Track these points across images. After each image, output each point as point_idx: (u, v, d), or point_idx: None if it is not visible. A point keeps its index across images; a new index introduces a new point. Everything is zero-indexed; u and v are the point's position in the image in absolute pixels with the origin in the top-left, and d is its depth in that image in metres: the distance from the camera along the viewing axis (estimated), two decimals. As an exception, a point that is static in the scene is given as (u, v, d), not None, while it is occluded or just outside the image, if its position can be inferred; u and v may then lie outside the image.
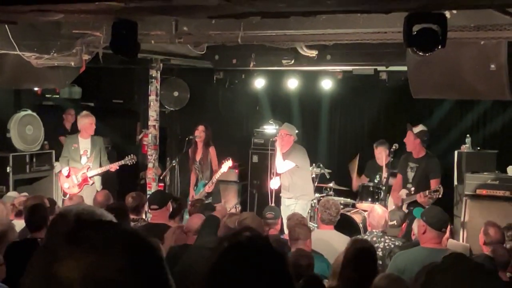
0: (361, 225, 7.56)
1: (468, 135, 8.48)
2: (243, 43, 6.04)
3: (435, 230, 4.71)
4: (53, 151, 8.79)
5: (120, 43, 5.11)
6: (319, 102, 10.98)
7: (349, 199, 8.64)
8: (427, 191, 6.94)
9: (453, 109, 9.93)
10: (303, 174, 8.10)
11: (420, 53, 4.53)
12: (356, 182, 8.72)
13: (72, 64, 6.93)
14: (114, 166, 8.36)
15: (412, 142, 7.39)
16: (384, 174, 7.97)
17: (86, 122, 8.35)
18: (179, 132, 11.08)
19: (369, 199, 8.11)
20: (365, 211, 7.52)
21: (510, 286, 4.55)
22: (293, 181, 8.01)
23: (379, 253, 5.23)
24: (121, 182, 9.76)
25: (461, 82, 5.81)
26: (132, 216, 6.04)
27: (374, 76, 9.61)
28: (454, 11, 4.80)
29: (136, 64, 8.77)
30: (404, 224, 5.91)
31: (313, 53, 7.28)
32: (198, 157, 8.59)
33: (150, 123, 8.67)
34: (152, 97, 8.60)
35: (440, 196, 6.92)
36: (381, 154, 8.45)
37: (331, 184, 8.89)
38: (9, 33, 5.90)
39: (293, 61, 8.17)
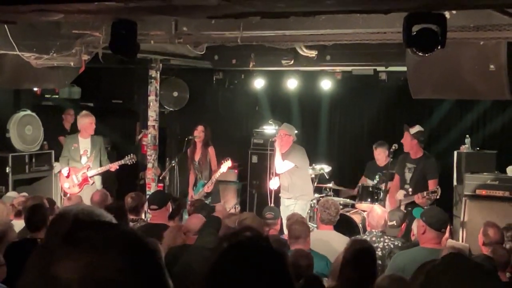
0: (360, 226, 7.56)
1: (467, 136, 8.48)
2: (242, 43, 6.04)
3: (435, 230, 4.71)
4: (53, 151, 8.79)
5: (120, 43, 5.11)
6: (319, 102, 10.98)
7: (348, 200, 8.65)
8: (425, 192, 6.94)
9: (453, 109, 9.94)
10: (302, 174, 8.10)
11: (420, 53, 4.53)
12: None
13: (72, 64, 6.93)
14: (114, 166, 8.36)
15: (409, 143, 7.38)
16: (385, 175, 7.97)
17: (86, 121, 8.35)
18: (179, 132, 11.07)
19: (369, 200, 8.11)
20: (364, 211, 7.52)
21: (510, 286, 4.55)
22: (292, 181, 8.01)
23: (379, 253, 5.23)
24: (121, 182, 9.76)
25: (461, 82, 5.82)
26: (131, 217, 6.04)
27: (373, 76, 9.61)
28: (454, 11, 4.81)
29: (135, 64, 8.77)
30: (403, 224, 5.91)
31: (312, 53, 7.28)
32: (197, 157, 8.59)
33: (149, 123, 8.67)
34: (151, 97, 8.60)
35: (438, 197, 6.92)
36: (381, 155, 8.46)
37: (330, 185, 8.89)
38: (8, 33, 5.89)
39: (292, 61, 8.17)
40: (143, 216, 6.60)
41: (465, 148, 8.29)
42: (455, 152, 8.33)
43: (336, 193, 9.01)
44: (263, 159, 10.00)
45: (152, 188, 8.53)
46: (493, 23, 4.91)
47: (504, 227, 5.55)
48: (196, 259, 4.11)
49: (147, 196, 7.29)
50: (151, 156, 8.66)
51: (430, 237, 4.72)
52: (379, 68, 9.28)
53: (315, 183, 8.71)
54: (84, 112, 8.61)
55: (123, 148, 9.67)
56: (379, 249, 5.34)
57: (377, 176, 8.32)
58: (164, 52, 8.01)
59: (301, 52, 7.24)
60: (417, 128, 7.40)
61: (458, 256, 1.80)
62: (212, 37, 6.16)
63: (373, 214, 5.80)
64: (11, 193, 7.09)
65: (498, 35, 5.07)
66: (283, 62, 8.23)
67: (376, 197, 8.03)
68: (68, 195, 7.92)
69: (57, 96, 10.73)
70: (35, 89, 10.10)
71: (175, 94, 10.52)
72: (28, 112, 8.58)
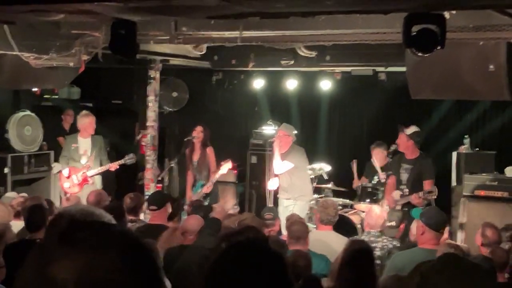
0: (359, 226, 7.56)
1: (466, 136, 8.48)
2: (242, 43, 6.04)
3: (434, 231, 4.72)
4: (52, 152, 8.79)
5: (119, 43, 5.11)
6: (318, 102, 10.98)
7: (347, 200, 8.64)
8: (421, 192, 6.93)
9: (452, 110, 9.94)
10: (301, 175, 8.09)
11: (419, 54, 4.53)
12: (356, 183, 8.75)
13: (71, 64, 6.92)
14: (114, 166, 8.36)
15: (405, 143, 7.36)
16: (381, 176, 7.96)
17: (86, 121, 8.34)
18: (178, 132, 11.07)
19: (368, 200, 8.11)
20: (363, 212, 7.52)
21: (508, 287, 4.55)
22: (291, 182, 8.01)
23: (377, 252, 5.24)
24: (120, 182, 9.76)
25: (460, 83, 5.82)
26: (130, 217, 6.03)
27: (373, 77, 9.61)
28: (453, 12, 4.81)
29: (135, 64, 8.77)
30: (402, 225, 5.91)
31: (312, 53, 7.28)
32: (196, 157, 8.58)
33: (148, 123, 8.66)
34: (150, 98, 8.59)
35: (435, 197, 6.91)
36: (379, 155, 8.45)
37: (329, 185, 8.89)
38: (7, 33, 5.89)
39: (292, 62, 8.18)
40: (142, 217, 6.60)
41: (464, 148, 8.29)
42: (454, 153, 8.33)
43: (335, 193, 9.00)
44: (262, 160, 10.01)
45: (151, 188, 8.52)
46: (493, 24, 4.91)
47: (503, 227, 5.55)
48: (195, 259, 4.11)
49: (146, 197, 7.29)
50: (150, 156, 8.65)
51: (429, 238, 4.72)
52: (378, 69, 9.27)
53: (314, 183, 8.70)
54: (84, 112, 8.61)
55: (122, 149, 9.66)
56: (377, 249, 5.35)
57: (376, 177, 8.32)
58: (163, 52, 8.01)
59: (300, 53, 7.24)
60: (413, 129, 7.38)
61: (454, 256, 1.81)
62: (211, 38, 6.16)
63: (372, 214, 5.80)
64: (10, 194, 7.09)
65: (498, 35, 5.07)
66: (283, 62, 8.23)
67: (375, 198, 8.03)
68: (68, 195, 7.92)
69: (56, 97, 10.73)
70: (35, 89, 10.10)
71: (175, 94, 10.52)
72: (27, 112, 8.58)
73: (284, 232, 5.96)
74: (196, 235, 4.95)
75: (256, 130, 10.63)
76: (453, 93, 6.36)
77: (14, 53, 6.26)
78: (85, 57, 6.84)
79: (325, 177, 8.86)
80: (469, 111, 9.83)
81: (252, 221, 4.89)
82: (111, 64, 8.18)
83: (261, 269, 1.49)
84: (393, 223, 5.78)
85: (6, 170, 8.03)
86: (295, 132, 8.32)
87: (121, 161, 8.38)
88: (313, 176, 8.67)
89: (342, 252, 4.04)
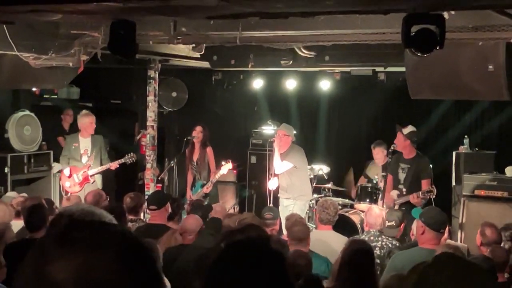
0: (359, 226, 7.55)
1: (466, 136, 8.48)
2: (241, 43, 6.04)
3: (434, 231, 4.72)
4: (51, 152, 8.79)
5: (118, 44, 5.10)
6: (318, 102, 10.98)
7: (347, 200, 8.65)
8: (420, 192, 6.94)
9: (451, 110, 9.94)
10: (301, 175, 8.10)
11: (419, 54, 4.53)
12: (354, 189, 8.75)
13: (70, 64, 6.93)
14: (114, 165, 8.37)
15: (402, 143, 7.38)
16: (380, 183, 7.97)
17: (87, 121, 8.35)
18: (177, 132, 11.07)
19: (367, 200, 8.11)
20: (363, 211, 7.52)
21: (507, 286, 4.55)
22: (291, 182, 8.01)
23: (377, 251, 5.24)
24: (120, 182, 9.76)
25: (459, 83, 5.82)
26: (130, 217, 6.04)
27: (372, 77, 9.61)
28: (452, 12, 4.81)
29: (134, 64, 8.77)
30: (402, 225, 5.91)
31: (311, 53, 7.28)
32: (195, 157, 8.59)
33: (148, 123, 8.66)
34: (150, 98, 8.59)
35: (434, 196, 6.92)
36: (379, 155, 8.45)
37: (329, 185, 8.89)
38: (7, 33, 5.89)
39: (291, 62, 8.17)
40: (142, 216, 6.60)
41: (464, 148, 8.29)
42: (454, 153, 8.33)
43: (335, 193, 9.01)
44: (262, 160, 9.99)
45: (150, 188, 8.53)
46: (492, 24, 4.92)
47: (503, 227, 5.54)
48: (194, 259, 4.11)
49: (146, 197, 7.29)
50: (150, 156, 8.65)
51: (429, 238, 4.72)
52: (378, 69, 9.28)
53: (314, 183, 8.71)
54: (84, 111, 8.62)
55: (122, 149, 9.66)
56: (377, 248, 5.35)
57: (376, 176, 8.32)
58: (163, 52, 8.01)
59: (300, 53, 7.24)
60: (410, 129, 7.40)
61: (452, 256, 1.80)
62: (211, 38, 6.16)
63: (371, 213, 5.80)
64: (11, 193, 7.09)
65: (497, 35, 5.08)
66: (282, 62, 8.23)
67: (375, 198, 8.02)
68: (69, 194, 7.93)
69: (55, 97, 10.72)
70: (34, 89, 10.09)
71: (174, 94, 10.52)
72: (27, 112, 8.58)
73: (284, 232, 5.96)
74: (196, 235, 4.96)
75: (256, 130, 10.63)
76: (453, 93, 6.36)
77: (14, 53, 6.26)
78: (84, 57, 6.84)
79: (325, 176, 8.87)
80: (469, 111, 9.84)
81: (253, 221, 4.88)
82: (111, 64, 8.19)
83: (261, 268, 1.49)
84: (393, 223, 5.77)
85: (6, 170, 8.03)
86: (295, 132, 8.32)
87: (122, 160, 8.39)
88: (313, 176, 8.68)
89: (342, 252, 4.04)
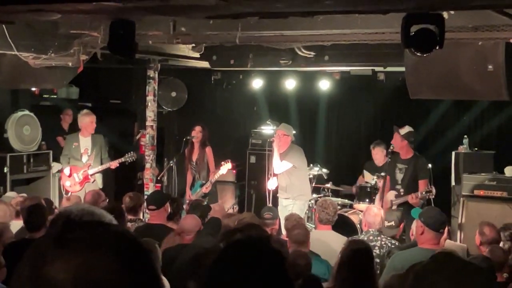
0: (358, 226, 7.55)
1: (465, 136, 8.48)
2: (241, 43, 6.04)
3: (433, 231, 4.71)
4: (51, 152, 8.79)
5: (118, 43, 5.10)
6: (317, 102, 10.98)
7: (346, 200, 8.65)
8: (419, 193, 6.96)
9: (451, 110, 9.94)
10: (300, 175, 8.09)
11: (418, 54, 4.53)
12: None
13: (70, 64, 6.93)
14: (114, 164, 8.38)
15: (399, 143, 7.40)
16: (379, 184, 7.97)
17: (87, 120, 8.35)
18: (177, 132, 11.06)
19: (367, 200, 8.11)
20: (362, 211, 7.52)
21: (506, 286, 4.55)
22: (290, 182, 8.01)
23: (376, 251, 5.23)
24: (119, 182, 9.75)
25: (459, 83, 5.82)
26: (129, 217, 6.04)
27: (371, 77, 9.61)
28: (452, 12, 4.81)
29: (133, 64, 8.76)
30: (401, 225, 5.91)
31: (310, 53, 7.28)
32: (195, 157, 8.59)
33: (147, 123, 8.66)
34: (149, 98, 8.59)
35: (433, 196, 6.93)
36: (378, 155, 8.46)
37: (328, 185, 8.89)
38: (6, 33, 5.89)
39: (290, 62, 8.17)
40: (141, 216, 6.60)
41: (463, 148, 8.29)
42: (453, 153, 8.33)
43: (334, 193, 9.01)
44: (261, 159, 9.98)
45: (150, 188, 8.53)
46: (491, 24, 4.92)
47: (502, 227, 5.55)
48: (190, 259, 4.11)
49: (145, 196, 7.29)
50: (149, 156, 8.65)
51: (428, 238, 4.72)
52: (377, 69, 9.28)
53: (313, 183, 8.71)
54: (84, 110, 8.63)
55: (121, 148, 9.66)
56: (376, 248, 5.35)
57: (374, 177, 8.32)
58: (162, 52, 8.01)
59: (299, 53, 7.24)
60: (407, 129, 7.41)
61: (450, 255, 1.79)
62: (210, 37, 6.16)
63: (370, 212, 5.80)
64: (10, 193, 7.09)
65: (496, 35, 5.08)
66: (281, 62, 8.23)
67: (374, 198, 8.03)
68: (70, 193, 7.94)
69: (55, 96, 10.71)
70: (33, 89, 10.08)
71: (173, 94, 10.52)
72: (26, 112, 8.58)
73: (284, 232, 5.96)
74: (195, 234, 4.96)
75: (255, 130, 10.62)
76: (452, 93, 6.37)
77: (13, 53, 6.25)
78: (83, 57, 6.84)
79: (324, 176, 8.87)
80: (468, 111, 9.83)
81: (252, 221, 4.88)
82: (110, 64, 8.19)
83: (261, 267, 1.49)
84: (392, 223, 5.77)
85: (5, 169, 8.03)
86: (294, 132, 8.32)
87: (122, 159, 8.40)
88: (312, 176, 8.67)
89: (341, 252, 4.04)
